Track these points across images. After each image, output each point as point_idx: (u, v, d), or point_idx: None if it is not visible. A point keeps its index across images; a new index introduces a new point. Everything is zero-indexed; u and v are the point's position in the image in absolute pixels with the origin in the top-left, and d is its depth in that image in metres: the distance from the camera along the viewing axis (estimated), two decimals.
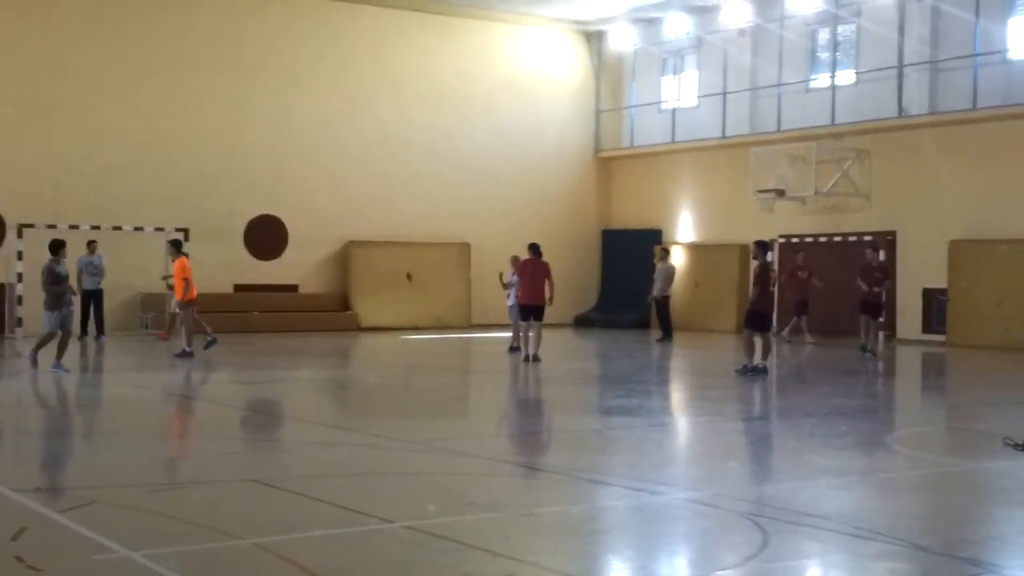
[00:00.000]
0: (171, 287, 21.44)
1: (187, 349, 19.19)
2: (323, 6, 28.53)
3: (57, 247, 16.86)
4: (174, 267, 19.95)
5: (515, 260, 20.90)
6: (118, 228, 25.13)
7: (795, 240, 27.35)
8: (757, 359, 17.19)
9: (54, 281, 16.48)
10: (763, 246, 17.76)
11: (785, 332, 24.62)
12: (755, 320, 17.47)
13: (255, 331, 25.61)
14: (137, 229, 25.44)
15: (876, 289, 21.39)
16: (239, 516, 7.73)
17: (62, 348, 16.61)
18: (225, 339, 21.05)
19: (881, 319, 21.95)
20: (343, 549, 6.86)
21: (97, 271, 23.59)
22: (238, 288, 27.23)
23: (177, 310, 23.91)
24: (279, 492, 8.46)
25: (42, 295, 16.81)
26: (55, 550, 6.75)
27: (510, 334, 21.14)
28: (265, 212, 27.70)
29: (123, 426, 12.59)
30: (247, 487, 8.76)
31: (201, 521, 7.44)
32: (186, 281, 19.42)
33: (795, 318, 24.80)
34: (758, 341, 17.35)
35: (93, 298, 23.56)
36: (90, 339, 23.33)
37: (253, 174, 27.57)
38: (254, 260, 27.28)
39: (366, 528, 7.33)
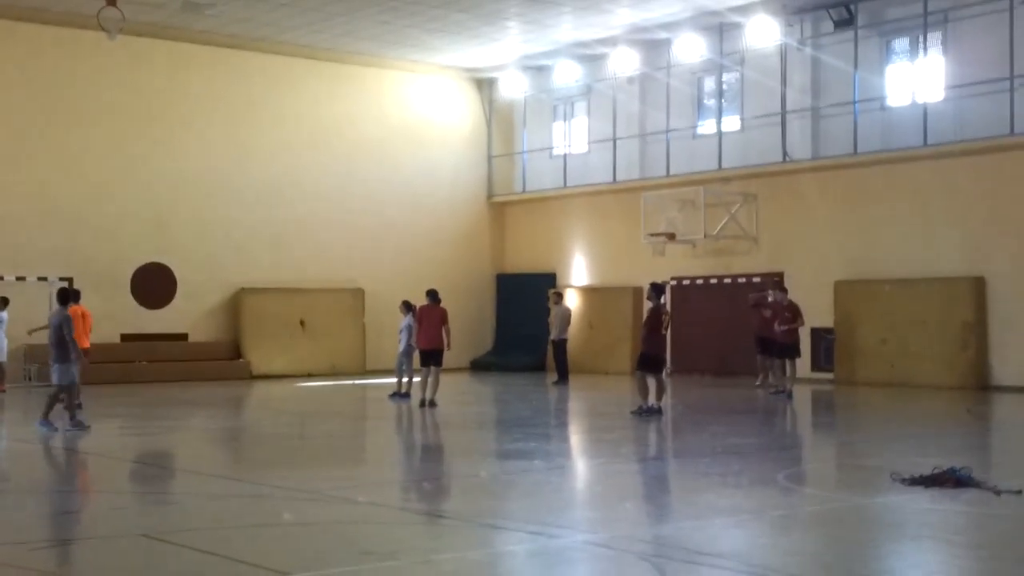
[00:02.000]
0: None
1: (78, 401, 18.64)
2: (212, 53, 28.24)
3: (77, 296, 15.94)
4: None
5: (406, 305, 20.99)
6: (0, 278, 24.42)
7: (686, 282, 27.79)
8: (652, 400, 17.34)
9: (69, 332, 15.59)
10: (657, 289, 17.98)
11: (770, 379, 22.10)
12: (647, 362, 17.66)
13: (144, 381, 25.06)
14: (19, 279, 24.76)
15: (790, 327, 20.78)
16: (127, 572, 7.51)
17: (73, 403, 15.78)
18: (112, 390, 20.56)
19: (798, 357, 21.21)
20: None
21: None
22: (125, 338, 26.60)
23: None
24: (170, 547, 8.23)
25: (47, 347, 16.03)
26: None
27: (403, 379, 21.00)
28: (153, 259, 27.14)
29: (5, 481, 12.17)
30: (136, 542, 8.50)
31: None
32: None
33: (758, 357, 22.54)
34: (652, 382, 17.53)
35: None
36: None
37: (139, 221, 27.07)
38: (142, 309, 26.67)
39: None
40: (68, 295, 16.19)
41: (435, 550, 8.27)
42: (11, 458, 14.44)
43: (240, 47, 28.44)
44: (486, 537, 8.75)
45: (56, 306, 16.15)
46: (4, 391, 22.70)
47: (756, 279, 25.75)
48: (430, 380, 19.27)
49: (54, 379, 15.81)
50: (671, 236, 26.87)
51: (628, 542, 8.25)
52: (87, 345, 18.60)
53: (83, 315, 18.76)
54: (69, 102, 26.44)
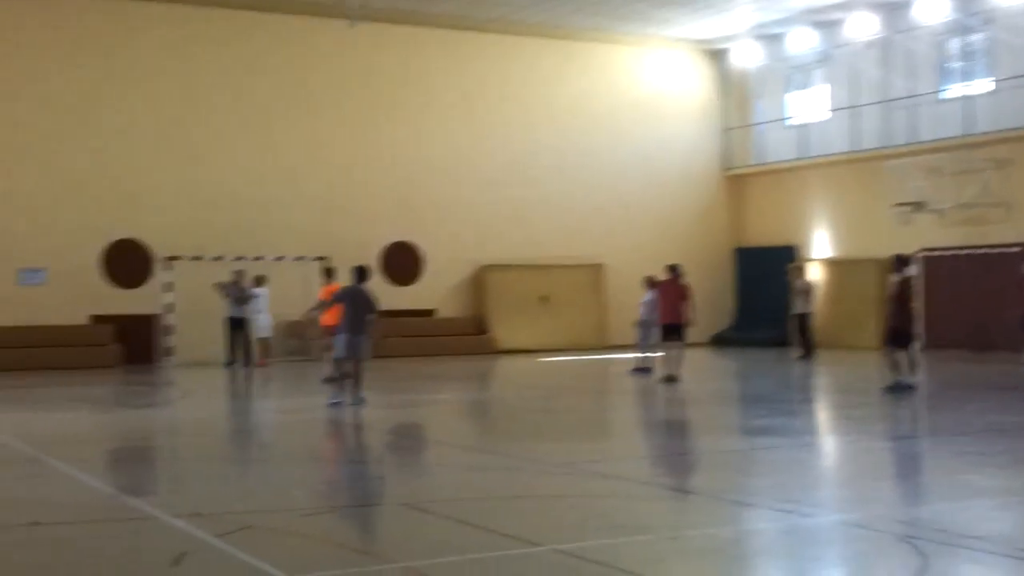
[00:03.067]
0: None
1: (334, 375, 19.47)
2: (449, 36, 28.95)
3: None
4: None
5: (649, 281, 20.91)
6: (259, 258, 25.84)
7: (937, 253, 26.67)
8: (904, 376, 16.77)
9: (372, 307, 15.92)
10: (902, 260, 17.36)
11: None
12: (895, 337, 17.07)
13: (394, 356, 25.96)
14: (278, 259, 26.10)
15: None
16: (390, 540, 7.85)
17: (358, 379, 15.94)
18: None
19: None
20: (494, 573, 6.90)
21: (243, 300, 24.18)
22: (379, 314, 27.58)
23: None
24: (428, 516, 8.56)
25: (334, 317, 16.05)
26: (213, 574, 6.94)
27: (646, 355, 21.02)
28: (400, 239, 28.20)
29: (274, 451, 12.91)
30: (397, 511, 8.89)
31: (353, 545, 7.58)
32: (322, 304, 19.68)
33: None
34: (903, 357, 16.95)
35: (240, 326, 24.16)
36: (238, 367, 23.96)
37: (387, 202, 28.10)
38: (391, 286, 27.74)
39: (516, 552, 7.36)
40: (366, 272, 16.42)
41: (684, 526, 8.29)
42: (277, 429, 15.29)
43: (475, 28, 29.04)
44: (735, 514, 8.71)
45: (355, 282, 16.29)
46: (266, 365, 24.04)
47: (1015, 249, 24.42)
48: (673, 355, 19.22)
49: (352, 352, 15.88)
50: (918, 205, 25.82)
51: (885, 523, 8.03)
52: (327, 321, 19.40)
53: (327, 291, 19.64)
54: (316, 89, 27.63)
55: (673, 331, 19.29)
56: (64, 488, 9.96)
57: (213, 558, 7.28)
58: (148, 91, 26.02)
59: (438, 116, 28.93)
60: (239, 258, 25.48)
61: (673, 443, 13.63)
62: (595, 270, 30.02)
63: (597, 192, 30.45)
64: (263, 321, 24.35)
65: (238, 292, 23.98)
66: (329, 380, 17.87)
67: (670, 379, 18.95)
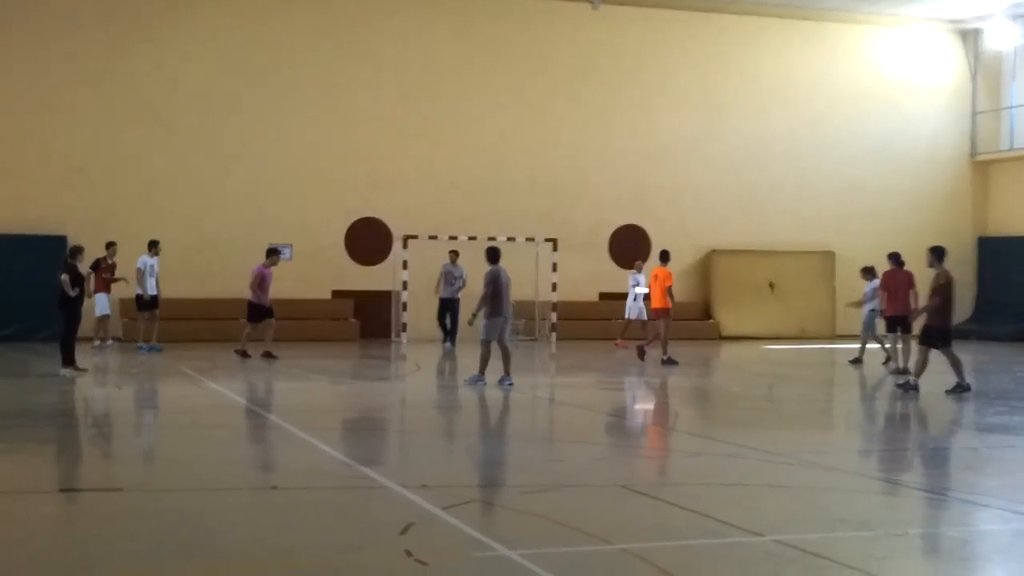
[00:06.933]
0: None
1: (667, 357, 19.89)
2: (684, 17, 28.76)
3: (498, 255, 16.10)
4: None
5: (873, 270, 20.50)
6: (492, 239, 26.35)
7: None
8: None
9: (496, 289, 15.79)
10: (938, 253, 16.14)
11: None
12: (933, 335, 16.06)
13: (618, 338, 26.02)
14: (510, 240, 26.59)
15: None
16: (608, 521, 7.95)
17: (507, 360, 15.91)
18: (589, 346, 21.58)
19: None
20: (712, 560, 6.93)
21: (455, 280, 24.70)
22: (603, 296, 27.89)
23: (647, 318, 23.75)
24: (646, 499, 8.64)
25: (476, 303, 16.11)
26: (439, 545, 7.20)
27: (875, 346, 20.47)
28: (629, 222, 28.25)
29: (497, 427, 13.23)
30: (615, 492, 8.99)
31: (572, 524, 7.72)
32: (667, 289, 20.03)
33: None
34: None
35: (450, 306, 24.61)
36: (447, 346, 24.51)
37: (617, 185, 28.20)
38: (618, 269, 27.83)
39: (734, 540, 7.36)
40: (496, 254, 16.15)
41: (909, 523, 8.09)
42: (502, 406, 15.63)
43: (713, 10, 28.79)
44: (964, 513, 8.44)
45: (489, 266, 16.10)
46: (627, 346, 23.65)
47: None
48: (900, 347, 18.64)
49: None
50: None
51: None
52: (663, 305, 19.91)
53: (655, 276, 20.25)
54: (553, 71, 27.93)
55: (899, 322, 18.68)
56: (301, 454, 10.51)
57: (438, 529, 7.55)
58: (390, 77, 26.92)
59: (672, 99, 28.80)
60: (472, 238, 26.11)
61: (899, 437, 13.25)
62: (825, 257, 29.29)
63: (830, 177, 29.69)
64: (635, 303, 24.20)
65: (446, 272, 24.58)
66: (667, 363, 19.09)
67: (900, 372, 18.37)
